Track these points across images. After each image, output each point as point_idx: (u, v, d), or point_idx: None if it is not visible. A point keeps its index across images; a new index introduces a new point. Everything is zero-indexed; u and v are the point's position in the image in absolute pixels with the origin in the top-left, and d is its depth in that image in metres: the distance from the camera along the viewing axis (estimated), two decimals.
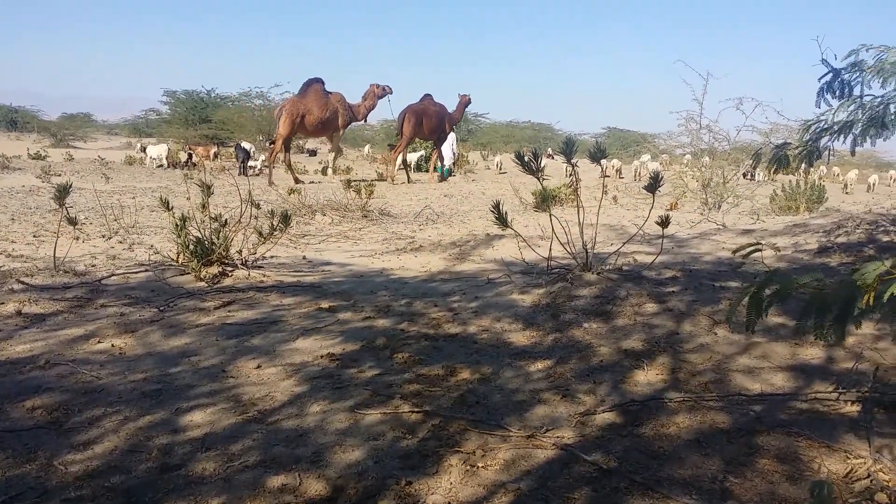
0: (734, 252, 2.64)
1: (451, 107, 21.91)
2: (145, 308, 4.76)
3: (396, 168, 21.07)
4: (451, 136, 22.69)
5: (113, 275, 5.75)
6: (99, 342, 4.02)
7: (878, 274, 1.84)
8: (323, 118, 19.12)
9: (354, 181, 12.72)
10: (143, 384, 3.36)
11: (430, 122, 20.49)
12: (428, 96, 21.34)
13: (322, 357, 3.74)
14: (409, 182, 20.20)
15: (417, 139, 22.61)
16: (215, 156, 26.36)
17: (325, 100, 19.23)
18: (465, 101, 22.10)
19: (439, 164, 22.12)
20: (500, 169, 28.80)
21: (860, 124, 4.46)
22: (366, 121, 22.41)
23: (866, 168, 38.54)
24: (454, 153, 23.87)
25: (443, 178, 22.05)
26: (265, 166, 21.38)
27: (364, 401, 3.11)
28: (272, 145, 19.89)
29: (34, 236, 7.77)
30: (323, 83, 19.46)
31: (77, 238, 7.39)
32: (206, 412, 3.00)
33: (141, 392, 3.24)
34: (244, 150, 23.17)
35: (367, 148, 39.48)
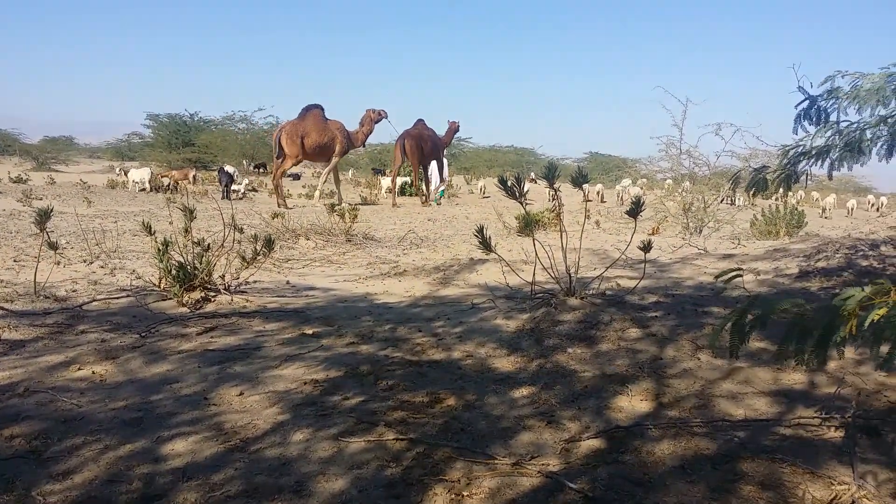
0: (716, 277, 2.66)
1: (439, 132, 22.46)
2: (126, 334, 4.71)
3: (385, 192, 21.28)
4: (444, 162, 23.12)
5: (94, 300, 5.69)
6: (79, 369, 3.96)
7: (858, 301, 1.87)
8: (321, 143, 19.43)
9: (338, 206, 12.69)
10: (124, 412, 3.31)
11: (427, 147, 21.15)
12: (421, 121, 21.96)
13: (305, 384, 3.71)
14: (394, 206, 20.44)
15: (407, 163, 23.19)
16: (194, 179, 26.10)
17: (323, 125, 19.58)
18: (453, 128, 22.99)
19: (432, 187, 22.64)
20: (484, 193, 28.95)
21: (837, 150, 4.53)
22: (364, 146, 23.11)
23: (845, 192, 39.12)
24: (445, 178, 24.25)
25: (436, 201, 22.58)
26: (249, 189, 21.43)
27: (348, 428, 3.08)
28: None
29: (14, 261, 7.68)
30: (322, 109, 19.78)
31: (58, 263, 7.31)
32: (188, 440, 2.96)
33: (121, 420, 3.20)
34: (227, 173, 23.14)
35: (350, 172, 39.56)
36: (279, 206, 17.42)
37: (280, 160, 19.65)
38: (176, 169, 28.15)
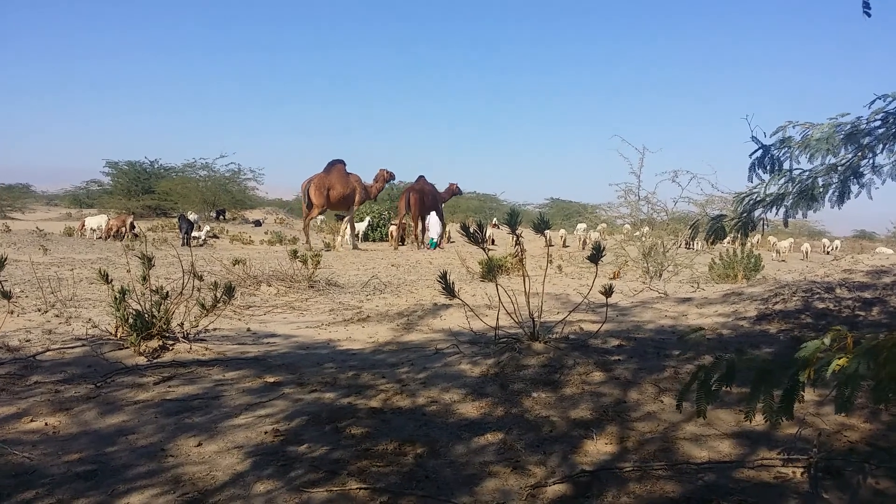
0: (680, 338, 2.72)
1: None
2: (81, 384, 4.58)
3: (346, 238, 22.14)
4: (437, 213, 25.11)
5: (48, 350, 5.53)
6: (31, 421, 3.83)
7: (816, 349, 1.94)
8: (345, 194, 21.72)
9: (302, 254, 12.61)
10: (78, 465, 3.20)
11: (427, 200, 23.47)
12: (422, 177, 24.52)
13: (266, 433, 3.63)
14: (353, 249, 21.71)
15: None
16: (131, 227, 25.08)
17: (346, 178, 21.90)
18: (452, 189, 25.88)
19: (428, 236, 24.47)
20: (448, 238, 29.08)
21: (791, 197, 4.65)
22: (375, 199, 25.48)
23: (800, 237, 40.08)
24: (441, 228, 25.43)
25: (433, 245, 24.25)
26: (210, 236, 21.22)
27: (311, 479, 3.02)
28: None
29: None
30: (344, 163, 22.17)
31: (11, 312, 7.10)
32: (144, 494, 2.87)
33: (75, 473, 3.09)
34: (188, 220, 22.93)
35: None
36: (307, 248, 19.18)
37: (309, 209, 21.84)
38: (113, 217, 27.14)
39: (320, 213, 23.35)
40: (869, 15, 3.45)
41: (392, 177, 24.02)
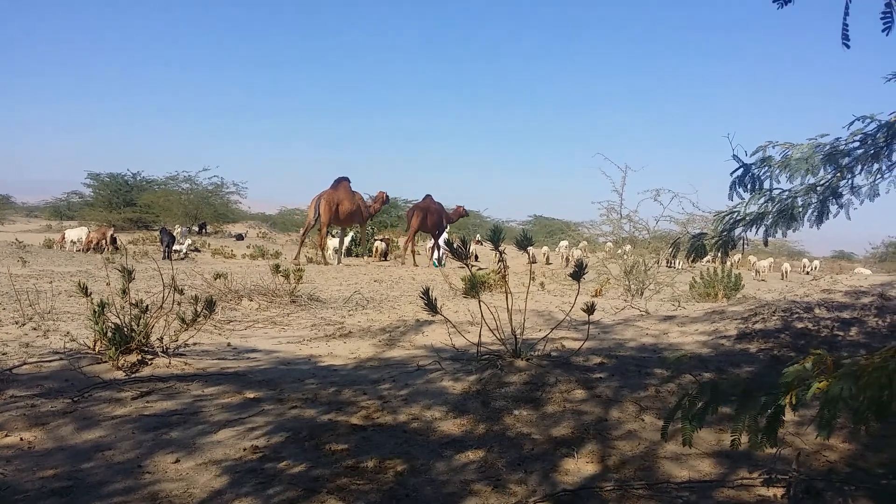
0: (664, 361, 2.74)
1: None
2: (58, 399, 4.51)
3: (332, 252, 22.35)
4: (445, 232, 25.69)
5: (24, 364, 5.45)
6: (6, 436, 3.77)
7: (797, 374, 1.97)
8: (352, 210, 22.62)
9: (287, 267, 12.54)
10: (53, 481, 3.15)
11: (432, 218, 24.14)
12: (429, 196, 25.02)
13: (245, 450, 3.60)
14: (337, 264, 22.04)
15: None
16: (112, 240, 24.72)
17: (352, 194, 22.83)
18: (460, 211, 26.53)
19: (436, 253, 25.02)
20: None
21: (771, 216, 4.70)
22: (371, 219, 26.54)
23: (780, 256, 40.44)
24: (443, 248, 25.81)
25: (439, 264, 24.55)
26: (191, 249, 21.12)
27: (289, 496, 2.99)
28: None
29: None
30: (349, 181, 22.94)
31: None
32: None
33: (50, 489, 3.04)
34: (169, 233, 22.77)
35: (300, 231, 39.45)
36: (326, 263, 21.11)
37: (318, 224, 22.55)
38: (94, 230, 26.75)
39: (312, 227, 23.75)
40: (848, 46, 3.51)
41: (388, 200, 25.43)
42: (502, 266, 5.73)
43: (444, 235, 24.74)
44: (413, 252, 24.59)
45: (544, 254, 30.48)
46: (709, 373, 4.98)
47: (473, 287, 6.30)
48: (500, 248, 5.21)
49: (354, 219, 23.25)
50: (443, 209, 25.32)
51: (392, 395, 4.70)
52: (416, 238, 25.75)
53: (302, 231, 23.87)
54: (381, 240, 27.57)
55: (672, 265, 19.73)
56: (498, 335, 5.34)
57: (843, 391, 1.91)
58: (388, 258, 26.52)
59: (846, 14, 3.24)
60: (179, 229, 29.93)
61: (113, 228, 27.11)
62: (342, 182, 22.95)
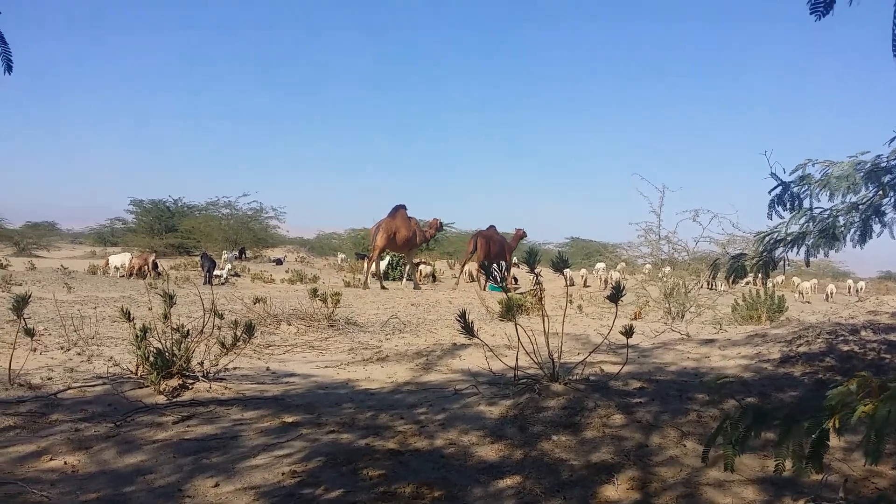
0: (709, 389, 2.69)
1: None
2: (101, 423, 4.59)
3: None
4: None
5: (69, 388, 5.57)
6: (51, 459, 3.85)
7: (842, 396, 1.92)
8: (408, 236, 24.01)
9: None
10: None
11: (494, 247, 25.06)
12: (492, 227, 26.23)
13: (283, 474, 3.61)
14: (382, 288, 22.48)
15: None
16: (153, 265, 24.93)
17: (408, 221, 24.24)
18: (519, 234, 27.35)
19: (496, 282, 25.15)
20: (472, 278, 29.13)
21: (812, 236, 4.62)
22: (427, 245, 28.66)
23: (824, 278, 39.58)
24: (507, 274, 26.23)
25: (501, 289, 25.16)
26: (231, 274, 21.40)
27: None
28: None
29: None
30: (406, 208, 24.31)
31: (34, 350, 7.18)
32: None
33: None
34: (210, 259, 23.13)
35: (340, 256, 39.77)
36: (364, 286, 22.21)
37: (374, 250, 24.07)
38: (136, 256, 27.20)
39: (383, 254, 25.40)
40: None
41: (443, 226, 26.69)
42: (539, 288, 5.70)
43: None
44: (461, 276, 25.64)
45: (582, 276, 30.28)
46: (752, 397, 4.88)
47: (510, 310, 6.28)
48: (536, 271, 5.19)
49: (411, 244, 24.44)
50: (504, 239, 26.39)
51: (428, 419, 4.69)
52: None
53: (368, 257, 25.33)
54: (421, 263, 28.01)
55: (713, 287, 19.39)
56: (535, 359, 5.31)
57: (892, 414, 1.85)
58: (423, 280, 26.75)
59: None
60: (226, 255, 30.46)
61: (155, 254, 27.61)
62: (399, 210, 24.25)
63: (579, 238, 60.07)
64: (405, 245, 24.27)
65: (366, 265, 25.14)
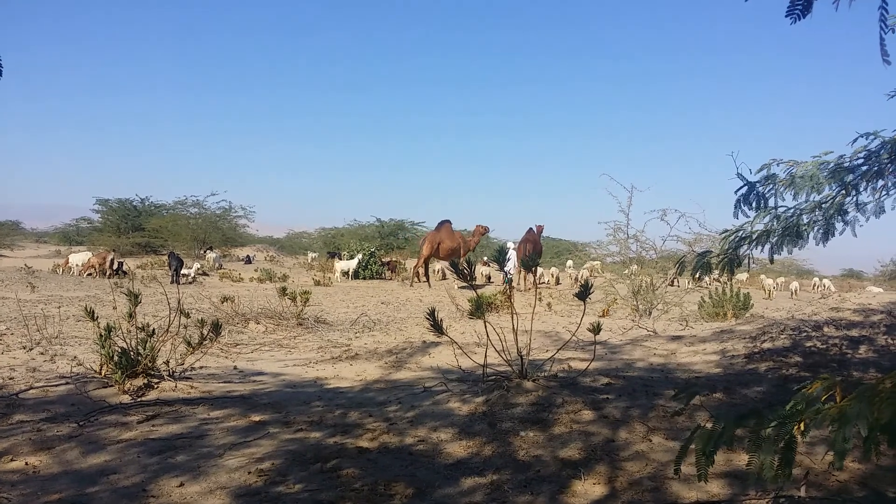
0: (674, 398, 2.71)
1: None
2: (64, 423, 4.51)
3: (339, 275, 22.87)
4: (513, 254, 25.29)
5: (31, 388, 5.46)
6: (12, 460, 3.77)
7: (806, 401, 1.97)
8: (453, 247, 25.67)
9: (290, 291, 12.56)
10: None
11: (446, 244, 25.89)
12: (447, 222, 26.71)
13: (250, 473, 3.58)
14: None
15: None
16: (111, 263, 24.38)
17: (453, 233, 26.12)
18: (480, 231, 27.55)
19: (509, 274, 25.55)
20: (443, 276, 29.10)
21: (776, 234, 4.68)
22: (473, 251, 28.78)
23: (789, 275, 40.17)
24: (515, 265, 25.90)
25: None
26: (199, 273, 21.15)
27: None
28: (414, 266, 25.83)
29: None
30: (451, 222, 26.42)
31: None
32: None
33: None
34: (177, 258, 22.81)
35: (310, 255, 39.44)
36: (411, 285, 23.97)
37: (420, 258, 25.97)
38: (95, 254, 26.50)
39: (426, 263, 26.70)
40: (888, 63, 3.38)
41: (487, 231, 27.86)
42: (507, 287, 5.72)
43: (512, 257, 25.38)
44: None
45: (552, 274, 30.42)
46: (718, 393, 4.94)
47: (479, 308, 6.28)
48: (504, 269, 5.20)
49: (455, 254, 25.76)
50: (462, 237, 27.08)
51: (398, 417, 4.68)
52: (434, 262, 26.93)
53: (416, 264, 26.93)
54: (388, 262, 28.04)
55: (675, 284, 19.61)
56: (504, 356, 5.32)
57: (860, 413, 1.88)
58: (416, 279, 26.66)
59: (883, 28, 3.12)
60: (210, 254, 30.47)
61: (114, 253, 27.09)
62: (444, 224, 26.39)
63: (549, 237, 60.41)
64: (448, 255, 25.70)
65: (411, 270, 26.94)
